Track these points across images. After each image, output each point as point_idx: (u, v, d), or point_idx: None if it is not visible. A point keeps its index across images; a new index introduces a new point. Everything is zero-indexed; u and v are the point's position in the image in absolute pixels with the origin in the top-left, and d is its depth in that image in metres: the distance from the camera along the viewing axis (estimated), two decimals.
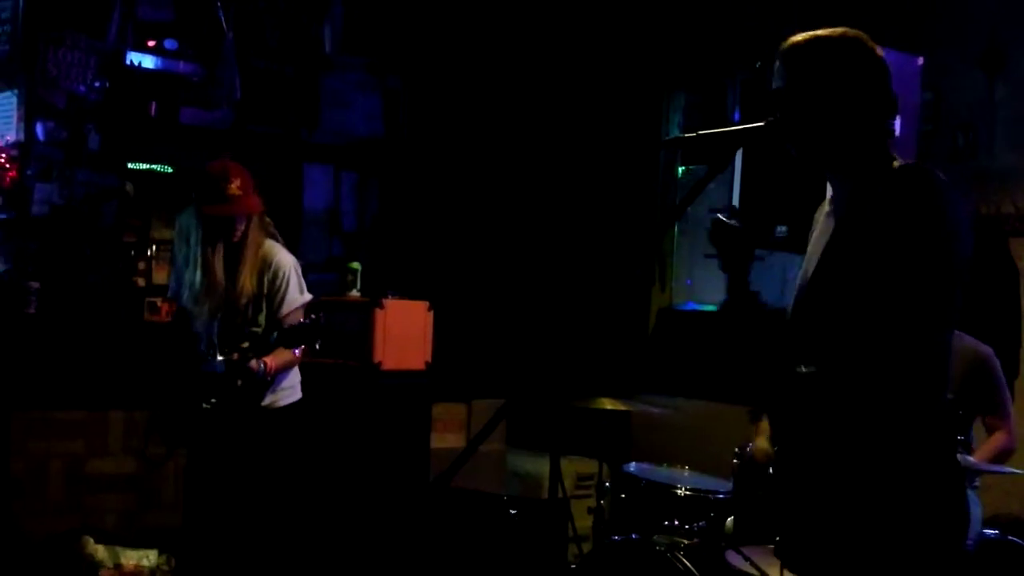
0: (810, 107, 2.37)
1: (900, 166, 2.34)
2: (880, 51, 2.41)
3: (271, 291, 4.12)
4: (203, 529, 4.24)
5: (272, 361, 3.99)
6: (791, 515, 2.43)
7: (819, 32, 2.41)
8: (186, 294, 4.16)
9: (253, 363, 3.91)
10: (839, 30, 2.41)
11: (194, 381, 4.01)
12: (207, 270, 4.08)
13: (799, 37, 2.42)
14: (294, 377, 4.26)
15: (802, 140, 2.41)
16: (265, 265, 4.13)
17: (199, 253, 4.10)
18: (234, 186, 4.05)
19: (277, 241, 4.24)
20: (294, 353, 4.12)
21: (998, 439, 4.32)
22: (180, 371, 4.08)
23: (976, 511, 3.99)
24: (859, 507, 2.26)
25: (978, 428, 4.42)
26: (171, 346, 4.31)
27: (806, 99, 2.37)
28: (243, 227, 4.09)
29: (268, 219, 4.23)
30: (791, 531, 2.44)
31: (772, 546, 3.75)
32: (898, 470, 2.24)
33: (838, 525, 2.29)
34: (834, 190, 2.47)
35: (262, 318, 4.11)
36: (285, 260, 4.17)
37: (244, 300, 4.08)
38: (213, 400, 4.00)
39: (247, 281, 4.08)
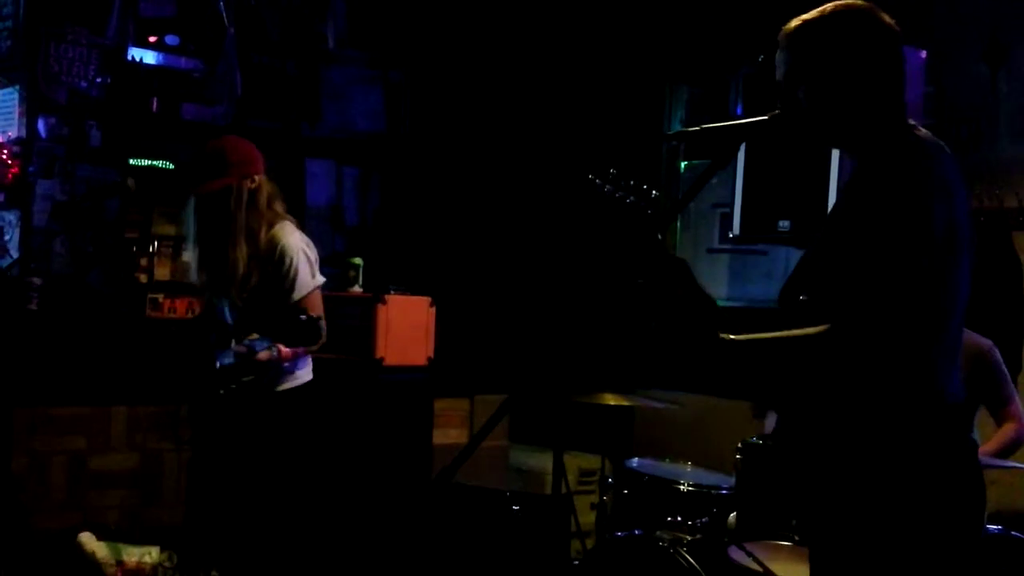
0: (811, 92, 2.36)
1: (896, 137, 2.32)
2: (887, 18, 2.38)
3: (278, 276, 4.01)
4: (205, 524, 4.22)
5: (287, 348, 3.94)
6: (801, 489, 2.42)
7: (811, 13, 2.39)
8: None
9: (262, 355, 3.86)
10: (832, 5, 2.39)
11: (208, 372, 3.98)
12: (191, 252, 4.12)
13: (792, 23, 2.42)
14: (300, 362, 4.17)
15: (809, 127, 2.40)
16: (271, 249, 4.02)
17: (189, 235, 4.11)
18: (205, 163, 4.00)
19: (288, 222, 4.12)
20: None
21: (1007, 431, 4.29)
22: (197, 362, 4.04)
23: None
24: (863, 473, 2.26)
25: (986, 424, 4.40)
26: (190, 337, 4.27)
27: (806, 84, 2.36)
28: (225, 203, 3.99)
29: (273, 198, 4.10)
30: (803, 505, 2.44)
31: (775, 541, 3.75)
32: (894, 435, 2.24)
33: (846, 492, 2.28)
34: (850, 164, 2.46)
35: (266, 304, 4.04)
36: (292, 243, 4.03)
37: (244, 283, 4.00)
38: (228, 387, 3.96)
39: (239, 261, 3.98)
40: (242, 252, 3.99)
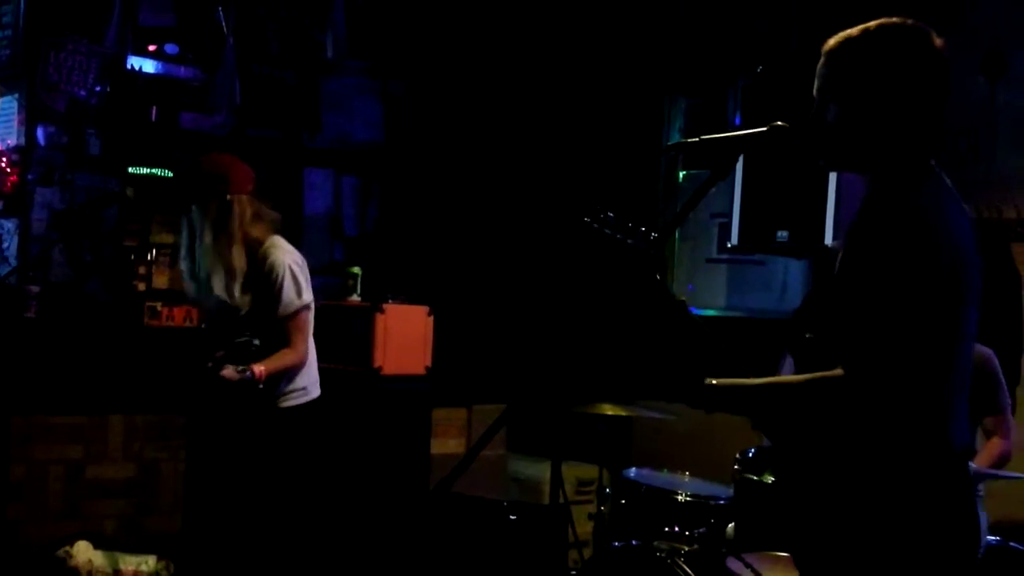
0: (844, 110, 2.31)
1: (915, 173, 2.27)
2: (937, 40, 2.31)
3: (266, 293, 4.01)
4: (202, 533, 4.22)
5: (261, 367, 3.91)
6: (798, 524, 2.41)
7: (854, 29, 2.32)
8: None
9: (227, 371, 3.83)
10: (877, 23, 2.31)
11: (202, 383, 3.99)
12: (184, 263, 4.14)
13: (833, 39, 2.35)
14: (303, 379, 4.16)
15: (831, 147, 2.36)
16: (260, 264, 4.03)
17: (182, 246, 4.13)
18: (188, 176, 4.04)
19: (280, 239, 4.12)
20: (293, 358, 4.05)
21: (996, 444, 4.28)
22: (193, 373, 4.05)
23: (982, 521, 3.95)
24: (863, 516, 2.23)
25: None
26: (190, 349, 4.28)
27: (840, 102, 2.31)
28: (197, 217, 4.02)
29: (253, 218, 4.08)
30: (799, 539, 2.42)
31: (773, 552, 3.74)
32: (899, 480, 2.21)
33: (845, 534, 2.26)
34: (862, 191, 2.41)
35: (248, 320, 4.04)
36: (280, 259, 4.03)
37: (228, 298, 4.02)
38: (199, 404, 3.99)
39: (213, 276, 4.00)
40: (216, 267, 4.00)
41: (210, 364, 3.83)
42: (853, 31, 2.33)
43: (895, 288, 2.13)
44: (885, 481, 2.22)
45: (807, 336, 2.34)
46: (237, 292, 4.02)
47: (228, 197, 4.03)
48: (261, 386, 3.94)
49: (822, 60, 2.36)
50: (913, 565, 2.21)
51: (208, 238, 4.01)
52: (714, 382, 2.28)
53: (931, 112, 2.31)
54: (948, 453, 2.24)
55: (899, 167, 2.28)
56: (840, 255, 2.35)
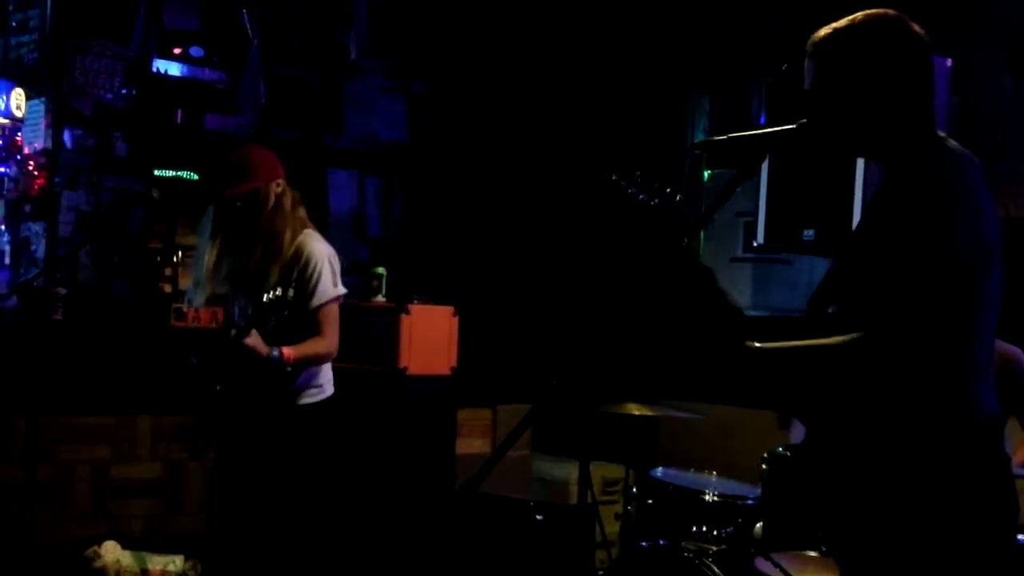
0: (841, 101, 2.35)
1: (924, 147, 2.31)
2: (916, 27, 2.37)
3: (301, 282, 4.00)
4: (227, 533, 4.22)
5: (291, 351, 3.90)
6: (829, 504, 2.41)
7: (841, 22, 2.38)
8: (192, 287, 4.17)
9: (252, 339, 3.79)
10: (863, 14, 2.38)
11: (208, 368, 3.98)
12: (203, 259, 4.10)
13: (822, 31, 2.41)
14: (322, 376, 4.16)
15: (838, 137, 2.40)
16: (297, 254, 4.02)
17: (204, 241, 4.11)
18: (231, 169, 4.00)
19: (313, 230, 4.12)
20: (325, 347, 4.06)
21: None
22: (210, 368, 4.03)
23: None
24: (893, 487, 2.24)
25: (1015, 433, 4.34)
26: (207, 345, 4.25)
27: (836, 93, 2.35)
28: (251, 207, 4.00)
29: (297, 203, 4.10)
30: (831, 520, 2.43)
31: (802, 552, 3.73)
32: (922, 449, 2.22)
33: (876, 514, 2.27)
34: (878, 174, 2.45)
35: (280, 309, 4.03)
36: (318, 250, 4.04)
37: (263, 284, 3.97)
38: (219, 385, 3.96)
39: (261, 262, 3.98)
40: (265, 254, 4.00)
41: (234, 332, 3.82)
42: (840, 23, 2.39)
43: (918, 251, 2.16)
44: (911, 450, 2.23)
45: (829, 310, 2.34)
46: (273, 277, 4.01)
47: (280, 183, 4.07)
48: (289, 369, 3.94)
49: (811, 53, 2.41)
50: (948, 535, 2.21)
51: (266, 224, 4.01)
52: (756, 344, 2.28)
53: (923, 93, 2.38)
54: (971, 421, 2.25)
55: (909, 144, 2.33)
56: (858, 225, 2.38)
